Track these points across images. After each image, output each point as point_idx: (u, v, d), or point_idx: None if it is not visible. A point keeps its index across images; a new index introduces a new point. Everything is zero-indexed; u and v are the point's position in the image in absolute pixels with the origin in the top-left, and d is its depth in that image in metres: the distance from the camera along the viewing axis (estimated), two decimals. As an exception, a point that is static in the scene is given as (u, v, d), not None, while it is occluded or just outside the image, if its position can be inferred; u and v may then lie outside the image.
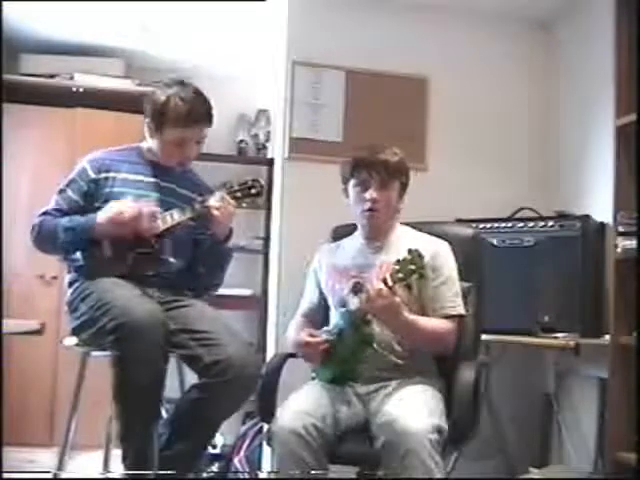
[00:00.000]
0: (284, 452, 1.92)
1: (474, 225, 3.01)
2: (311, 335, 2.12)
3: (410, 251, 1.97)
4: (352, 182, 2.24)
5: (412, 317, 2.06)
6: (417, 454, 1.79)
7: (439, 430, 1.86)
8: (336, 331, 2.10)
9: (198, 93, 2.24)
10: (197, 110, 2.20)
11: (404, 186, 2.27)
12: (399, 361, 2.14)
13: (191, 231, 2.26)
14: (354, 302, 2.13)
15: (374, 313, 2.03)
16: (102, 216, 2.12)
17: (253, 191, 2.21)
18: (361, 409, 2.09)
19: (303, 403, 2.01)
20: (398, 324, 2.05)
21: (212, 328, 2.07)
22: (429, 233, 2.28)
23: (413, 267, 1.94)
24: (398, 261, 1.96)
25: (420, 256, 1.96)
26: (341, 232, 2.47)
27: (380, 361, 2.12)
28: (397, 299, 1.98)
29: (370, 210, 2.20)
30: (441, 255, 2.19)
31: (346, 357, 2.09)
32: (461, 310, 2.16)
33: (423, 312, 2.15)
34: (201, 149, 2.31)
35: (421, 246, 2.17)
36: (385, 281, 1.96)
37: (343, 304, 2.17)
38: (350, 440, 2.02)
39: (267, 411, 2.12)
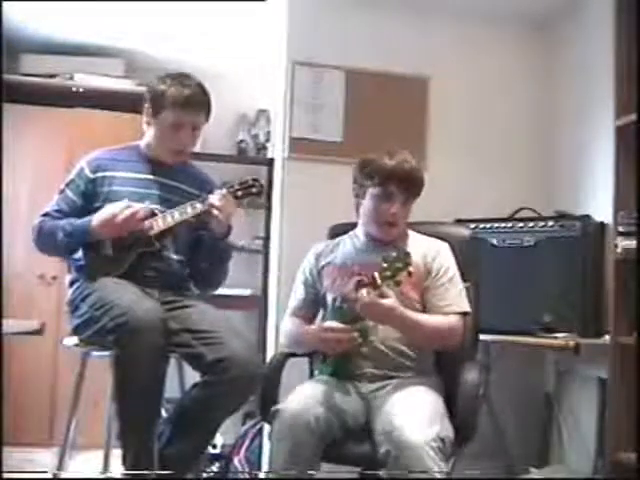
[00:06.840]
0: (284, 434, 1.89)
1: (473, 225, 3.04)
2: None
3: (397, 249, 2.01)
4: (374, 190, 2.19)
5: (413, 315, 2.07)
6: (418, 464, 1.77)
7: (442, 438, 1.84)
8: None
9: (198, 83, 2.25)
10: (196, 95, 2.21)
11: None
12: (403, 360, 2.14)
13: (192, 228, 2.26)
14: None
15: (370, 319, 2.04)
16: (96, 219, 2.12)
17: (254, 190, 2.23)
18: (363, 408, 2.08)
19: (313, 393, 2.00)
20: (397, 323, 2.06)
21: (214, 327, 2.06)
22: (428, 234, 2.30)
23: (400, 265, 1.95)
24: (384, 259, 1.97)
25: (407, 253, 1.97)
26: (339, 230, 2.46)
27: (383, 360, 2.12)
28: (386, 301, 1.98)
29: (390, 224, 2.20)
30: (444, 255, 2.21)
31: (344, 351, 2.08)
32: (466, 307, 2.17)
33: (428, 311, 2.15)
34: (197, 141, 2.30)
35: (424, 246, 2.23)
36: (374, 280, 1.96)
37: (344, 300, 2.17)
38: (353, 440, 2.01)
39: (269, 411, 2.09)
